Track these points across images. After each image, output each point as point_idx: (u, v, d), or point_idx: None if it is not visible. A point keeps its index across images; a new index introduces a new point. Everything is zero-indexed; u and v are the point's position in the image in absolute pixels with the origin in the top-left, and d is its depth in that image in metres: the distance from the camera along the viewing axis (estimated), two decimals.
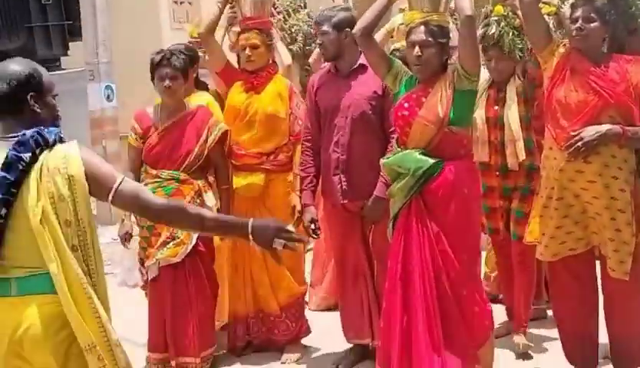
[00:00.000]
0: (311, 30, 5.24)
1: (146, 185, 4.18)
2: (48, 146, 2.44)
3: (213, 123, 4.30)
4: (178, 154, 4.19)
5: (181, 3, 10.90)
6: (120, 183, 2.50)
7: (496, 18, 4.20)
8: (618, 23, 3.71)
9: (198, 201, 4.20)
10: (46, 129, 2.46)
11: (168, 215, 2.61)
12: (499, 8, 4.19)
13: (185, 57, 4.31)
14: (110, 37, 7.72)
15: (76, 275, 2.38)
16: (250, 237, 2.56)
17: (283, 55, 4.82)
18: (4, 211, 2.37)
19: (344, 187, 4.08)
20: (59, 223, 2.39)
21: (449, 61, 3.64)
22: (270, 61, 4.57)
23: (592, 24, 3.59)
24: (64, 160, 2.42)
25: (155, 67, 4.18)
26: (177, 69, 4.16)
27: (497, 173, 4.31)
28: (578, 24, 3.59)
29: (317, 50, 5.29)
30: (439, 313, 3.51)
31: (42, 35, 8.34)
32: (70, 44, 8.65)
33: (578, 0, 3.65)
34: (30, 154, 2.39)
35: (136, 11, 9.09)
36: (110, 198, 2.50)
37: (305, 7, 6.07)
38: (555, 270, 3.89)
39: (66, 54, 8.55)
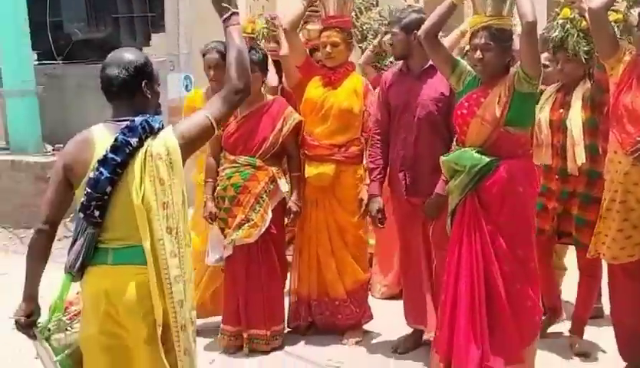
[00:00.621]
0: (382, 28, 5.38)
1: (224, 169, 4.47)
2: (153, 132, 2.67)
3: (289, 113, 4.55)
4: (254, 141, 4.44)
5: None
6: (209, 116, 2.70)
7: (561, 21, 4.24)
8: None
9: (272, 186, 4.46)
10: (151, 118, 2.69)
11: (238, 77, 2.72)
12: (566, 11, 4.24)
13: (263, 52, 4.58)
14: (191, 30, 8.04)
15: (163, 256, 2.61)
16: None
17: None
18: (109, 188, 2.61)
19: (407, 183, 4.24)
20: (157, 205, 2.62)
21: (511, 64, 3.73)
22: (348, 59, 4.74)
23: None
24: (166, 147, 2.65)
25: None
26: (255, 63, 4.35)
27: (557, 176, 4.32)
28: None
29: (367, 52, 5.47)
30: (485, 308, 3.63)
31: (127, 26, 8.66)
32: (152, 35, 8.99)
33: None
34: (137, 139, 2.62)
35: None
36: (215, 129, 2.73)
37: (377, 5, 6.22)
38: (613, 271, 3.99)
39: (148, 45, 8.89)
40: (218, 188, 4.51)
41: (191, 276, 2.73)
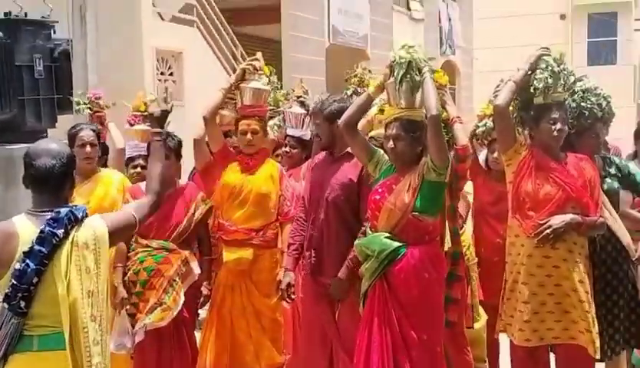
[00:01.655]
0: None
1: (136, 254, 4.50)
2: (78, 222, 2.72)
3: (200, 199, 4.64)
4: (168, 225, 4.49)
5: (165, 81, 11.37)
6: (134, 214, 2.93)
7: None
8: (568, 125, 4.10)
9: (185, 269, 4.49)
10: (75, 207, 2.75)
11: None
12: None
13: (179, 139, 4.67)
14: None
15: (86, 344, 2.65)
16: None
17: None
18: (35, 279, 2.64)
19: (312, 262, 4.31)
20: (82, 294, 2.67)
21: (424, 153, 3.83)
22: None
23: (565, 127, 4.00)
24: (94, 236, 2.72)
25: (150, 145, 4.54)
26: (170, 149, 4.49)
27: None
28: (559, 126, 3.96)
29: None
30: None
31: (32, 107, 8.59)
32: (58, 116, 8.94)
33: (553, 105, 4.00)
34: (63, 230, 2.67)
35: (123, 88, 9.53)
36: (136, 228, 2.95)
37: (282, 87, 6.51)
38: (516, 351, 4.18)
39: (54, 126, 8.83)
40: (129, 272, 4.50)
41: (109, 364, 2.77)
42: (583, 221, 3.94)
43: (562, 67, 4.05)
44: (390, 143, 3.83)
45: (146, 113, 5.34)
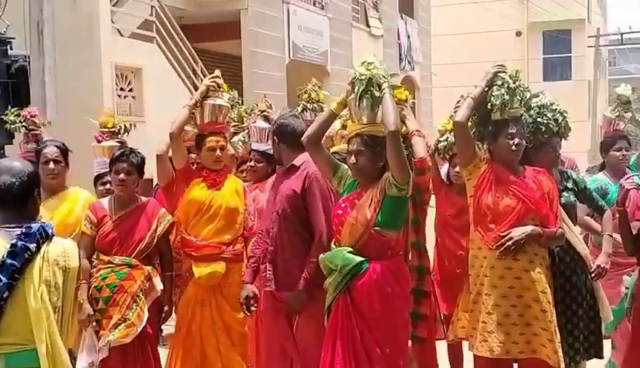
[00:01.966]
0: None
1: (98, 270, 4.47)
2: (49, 238, 2.72)
3: (162, 214, 4.63)
4: (131, 241, 4.48)
5: (125, 97, 11.30)
6: None
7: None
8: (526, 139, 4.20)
9: (147, 284, 4.48)
10: (45, 224, 2.75)
11: None
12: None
13: (142, 156, 4.65)
14: (57, 128, 8.00)
15: (61, 358, 2.65)
16: None
17: None
18: (6, 293, 2.62)
19: (268, 276, 4.33)
20: (50, 309, 2.65)
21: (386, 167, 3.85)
22: None
23: (523, 141, 4.08)
24: (64, 253, 2.72)
25: (114, 161, 4.53)
26: (133, 165, 4.50)
27: None
28: (517, 141, 4.04)
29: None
30: None
31: None
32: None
33: (510, 120, 4.07)
34: (35, 245, 2.67)
35: (82, 104, 9.45)
36: None
37: (243, 103, 6.53)
38: (480, 362, 4.18)
39: (11, 143, 8.71)
40: (91, 289, 4.47)
41: None
42: (543, 233, 4.02)
43: (517, 83, 4.12)
44: (352, 159, 3.85)
45: (113, 130, 5.34)
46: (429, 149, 4.61)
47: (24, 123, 5.97)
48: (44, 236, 2.71)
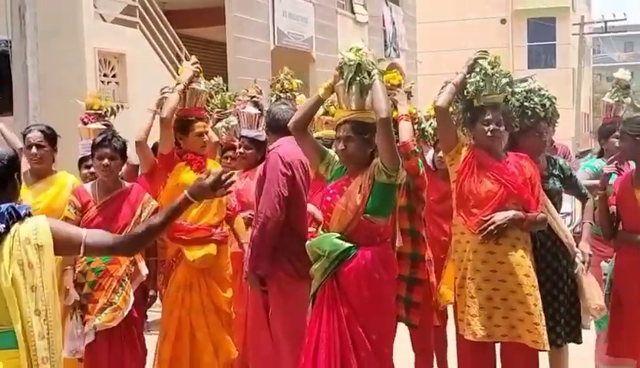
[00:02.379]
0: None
1: (83, 255, 4.45)
2: (20, 218, 2.70)
3: (147, 200, 4.62)
4: (115, 227, 4.43)
5: (108, 83, 11.24)
6: (86, 237, 2.83)
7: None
8: (512, 123, 4.25)
9: (133, 269, 4.49)
10: (18, 205, 2.73)
11: (133, 245, 2.96)
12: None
13: (123, 140, 4.62)
14: (40, 112, 7.96)
15: (32, 338, 2.62)
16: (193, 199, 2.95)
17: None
18: None
19: (246, 255, 4.45)
20: (26, 288, 2.63)
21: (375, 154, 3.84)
22: None
23: (500, 127, 4.11)
24: (35, 231, 2.69)
25: (96, 146, 4.51)
26: (116, 150, 4.47)
27: None
28: (493, 127, 4.08)
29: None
30: None
31: None
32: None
33: (487, 107, 4.12)
34: (4, 225, 2.65)
35: (65, 89, 9.39)
36: (81, 252, 2.84)
37: (227, 90, 6.52)
38: (463, 344, 4.26)
39: None
40: (77, 273, 4.46)
41: (60, 358, 2.74)
42: (525, 217, 4.06)
43: (495, 69, 4.14)
44: (341, 145, 3.84)
45: (99, 112, 5.32)
46: (415, 134, 4.62)
47: None
48: (15, 216, 2.69)
